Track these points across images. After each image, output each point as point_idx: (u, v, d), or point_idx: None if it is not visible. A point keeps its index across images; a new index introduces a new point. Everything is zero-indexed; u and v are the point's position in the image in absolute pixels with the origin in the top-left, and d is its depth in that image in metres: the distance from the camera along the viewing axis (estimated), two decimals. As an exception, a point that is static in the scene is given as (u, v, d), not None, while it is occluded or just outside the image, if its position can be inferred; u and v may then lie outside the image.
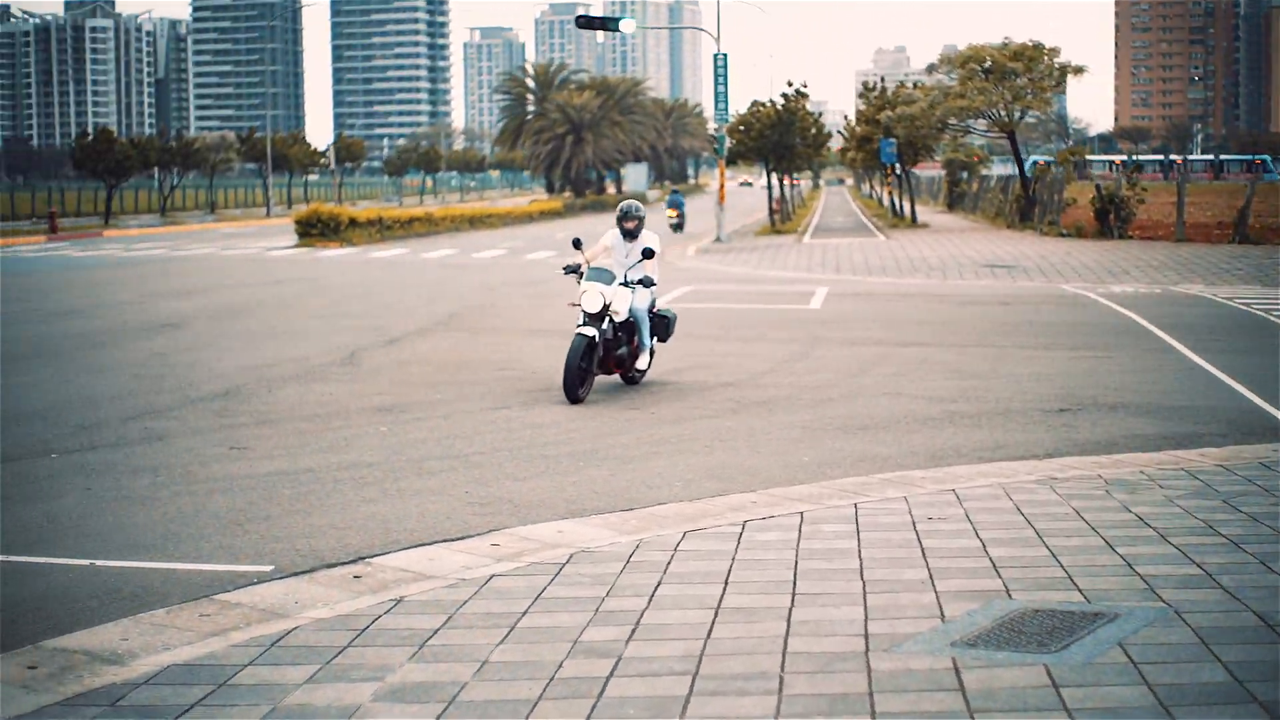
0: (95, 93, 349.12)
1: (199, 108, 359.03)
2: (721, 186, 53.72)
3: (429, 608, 8.35)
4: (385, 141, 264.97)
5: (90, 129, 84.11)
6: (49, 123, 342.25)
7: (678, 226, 60.03)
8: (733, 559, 9.28)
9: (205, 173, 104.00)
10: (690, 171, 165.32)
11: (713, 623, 7.85)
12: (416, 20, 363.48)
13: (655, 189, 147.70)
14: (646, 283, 16.49)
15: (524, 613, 8.17)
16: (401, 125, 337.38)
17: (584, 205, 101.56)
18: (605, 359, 16.31)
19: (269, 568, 9.48)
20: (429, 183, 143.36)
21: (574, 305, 16.43)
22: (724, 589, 8.55)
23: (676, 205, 61.61)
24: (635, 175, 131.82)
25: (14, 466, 12.76)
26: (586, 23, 48.33)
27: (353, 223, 54.89)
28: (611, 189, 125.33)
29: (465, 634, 7.80)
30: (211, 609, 8.42)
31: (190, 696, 6.88)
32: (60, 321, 25.01)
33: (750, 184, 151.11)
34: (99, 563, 9.62)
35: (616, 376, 17.02)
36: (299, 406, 15.79)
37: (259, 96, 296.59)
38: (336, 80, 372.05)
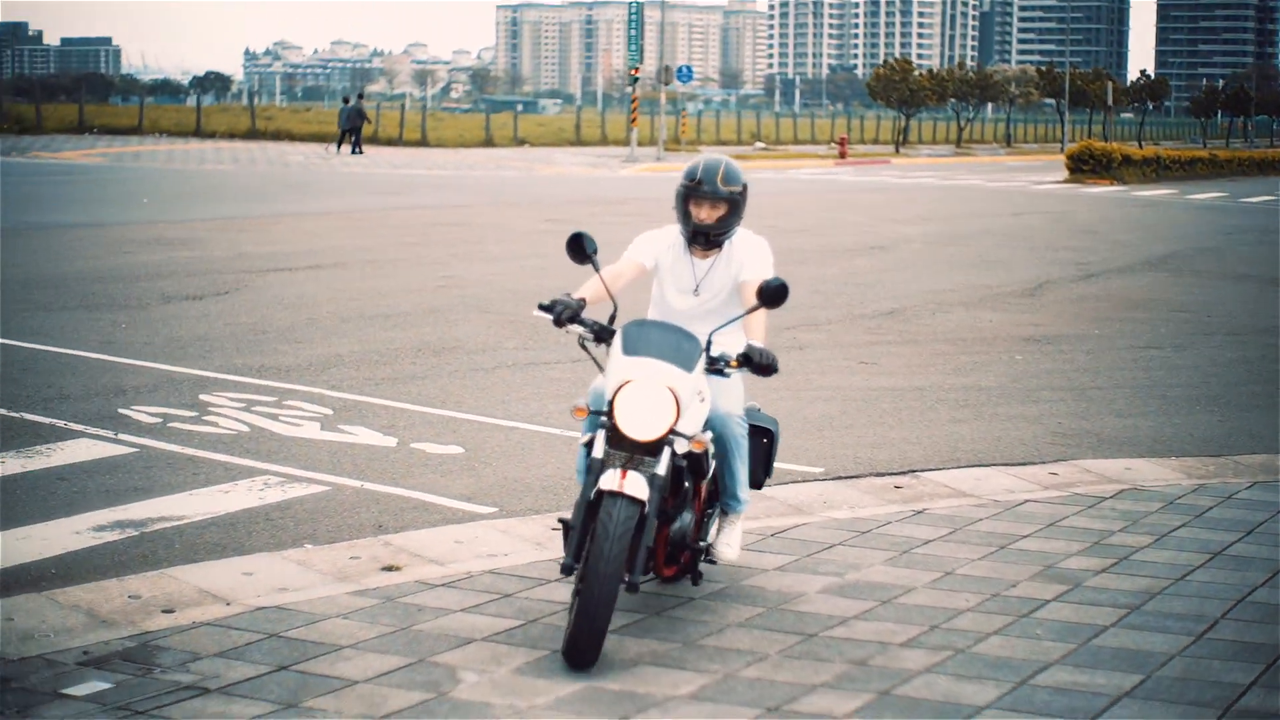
0: (920, 25, 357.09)
1: (1021, 41, 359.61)
2: None
3: (941, 521, 8.61)
4: (1203, 81, 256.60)
5: (905, 59, 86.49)
6: (874, 52, 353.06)
7: None
8: (1278, 512, 8.97)
9: (1003, 106, 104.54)
10: None
11: (1197, 566, 7.71)
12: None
13: None
14: (757, 360, 6.57)
15: (1023, 536, 8.29)
16: (1224, 65, 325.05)
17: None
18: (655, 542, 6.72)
19: (820, 469, 9.97)
20: (1241, 125, 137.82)
21: (585, 413, 6.49)
22: (1240, 537, 8.32)
23: None
24: None
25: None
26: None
27: (1126, 160, 53.97)
28: None
29: (953, 547, 8.02)
30: (745, 500, 8.97)
31: (666, 569, 7.49)
32: (793, 238, 26.30)
33: None
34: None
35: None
36: (950, 330, 16.14)
37: (1082, 31, 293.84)
38: (1160, 17, 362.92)
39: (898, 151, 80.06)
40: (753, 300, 6.77)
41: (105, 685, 5.75)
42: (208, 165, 47.00)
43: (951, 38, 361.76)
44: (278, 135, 70.00)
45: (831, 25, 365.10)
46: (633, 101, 61.98)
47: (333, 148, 58.10)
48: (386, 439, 10.42)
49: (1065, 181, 52.21)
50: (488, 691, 5.79)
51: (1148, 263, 23.69)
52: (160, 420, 10.69)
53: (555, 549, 7.77)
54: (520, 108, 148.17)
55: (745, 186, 7.00)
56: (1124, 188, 49.59)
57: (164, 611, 6.63)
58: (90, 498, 8.71)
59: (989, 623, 6.72)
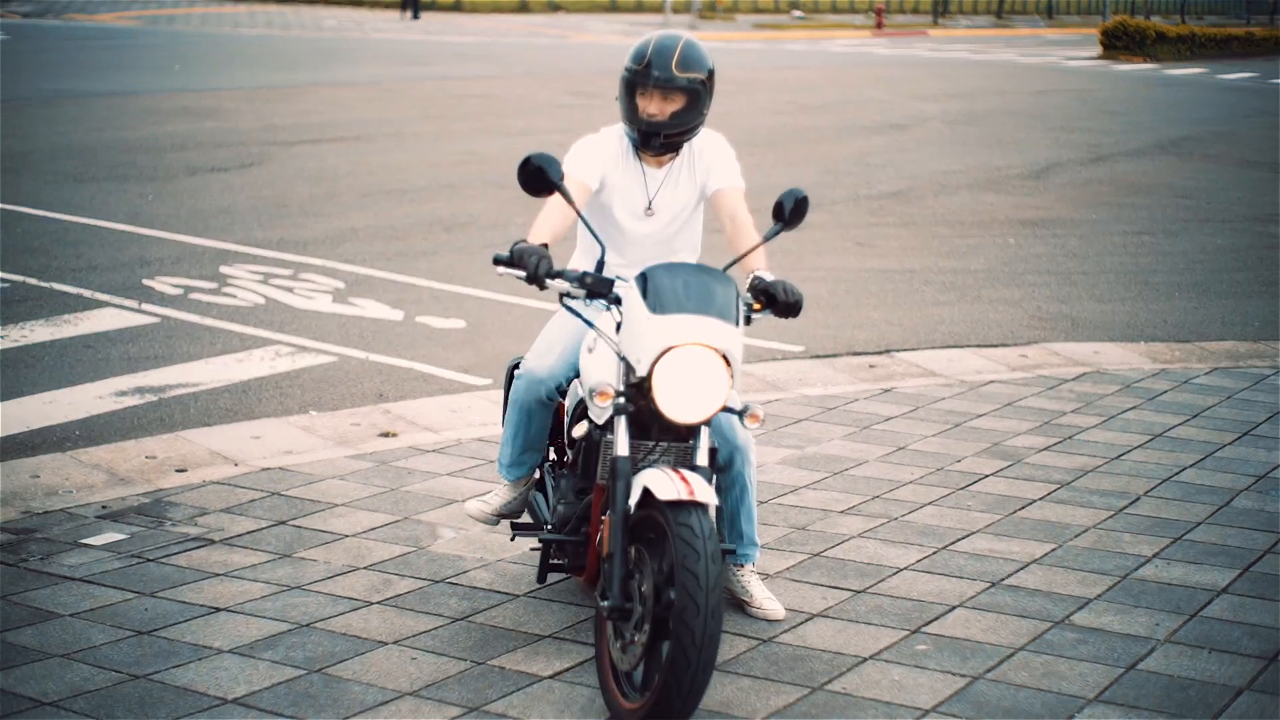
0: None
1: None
2: None
3: (906, 400, 9.21)
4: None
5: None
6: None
7: None
8: (1230, 396, 9.53)
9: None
10: None
11: (1135, 447, 8.29)
12: None
13: None
14: (783, 299, 5.24)
15: (979, 415, 8.89)
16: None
17: None
18: None
19: (800, 348, 10.56)
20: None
21: (610, 396, 4.93)
22: (1184, 420, 8.89)
23: None
24: None
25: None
26: None
27: (1160, 37, 53.79)
28: None
29: (910, 424, 8.63)
30: (725, 376, 9.57)
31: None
32: (814, 115, 26.68)
33: None
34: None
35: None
36: (950, 213, 16.61)
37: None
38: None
39: (935, 22, 79.59)
40: (740, 215, 5.53)
41: (121, 536, 6.43)
42: (241, 29, 47.36)
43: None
44: (313, -1, 70.04)
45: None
46: (667, -32, 61.83)
47: (408, 14, 58.25)
48: (394, 312, 11.06)
49: (1098, 58, 52.17)
50: (462, 547, 6.46)
51: (1159, 146, 24.02)
52: (182, 291, 11.36)
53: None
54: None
55: (711, 72, 5.46)
56: (1156, 66, 49.54)
57: (177, 471, 7.31)
58: (113, 365, 9.39)
59: (927, 494, 7.35)
